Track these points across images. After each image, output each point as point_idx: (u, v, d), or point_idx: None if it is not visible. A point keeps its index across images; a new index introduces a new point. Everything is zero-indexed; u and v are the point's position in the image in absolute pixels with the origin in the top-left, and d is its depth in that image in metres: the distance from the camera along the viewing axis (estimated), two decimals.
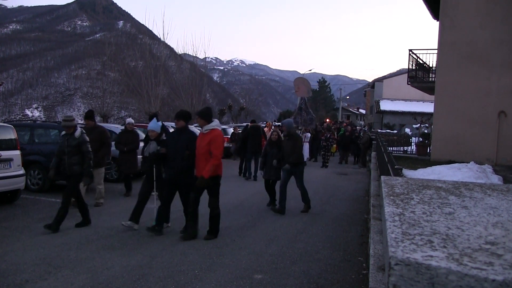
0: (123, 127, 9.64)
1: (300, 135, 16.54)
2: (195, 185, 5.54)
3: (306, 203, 7.75)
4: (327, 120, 32.07)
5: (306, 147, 16.20)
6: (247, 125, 13.36)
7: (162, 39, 28.68)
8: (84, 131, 6.33)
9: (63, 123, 6.21)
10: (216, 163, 5.50)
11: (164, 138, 6.21)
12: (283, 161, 7.68)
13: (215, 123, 5.73)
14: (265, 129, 16.19)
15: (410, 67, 14.30)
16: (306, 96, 18.56)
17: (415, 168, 8.78)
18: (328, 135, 16.66)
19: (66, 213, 5.89)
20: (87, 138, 6.26)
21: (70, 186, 6.04)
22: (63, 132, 6.23)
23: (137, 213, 5.96)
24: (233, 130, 18.01)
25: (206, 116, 5.76)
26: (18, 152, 7.59)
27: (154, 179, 6.01)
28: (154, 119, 6.34)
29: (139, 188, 6.24)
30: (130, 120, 9.71)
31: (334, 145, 18.74)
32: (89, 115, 7.93)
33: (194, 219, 5.63)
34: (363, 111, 62.33)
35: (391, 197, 1.30)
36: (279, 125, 20.14)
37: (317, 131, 18.67)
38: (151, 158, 6.00)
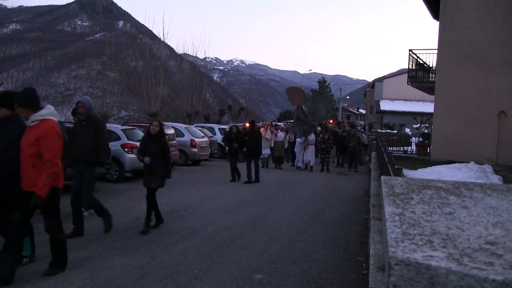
0: (123, 127, 9.44)
1: (289, 135, 16.12)
2: (29, 205, 3.81)
3: (78, 223, 5.50)
4: (330, 121, 31.30)
5: (311, 149, 15.69)
6: (232, 126, 12.65)
7: (162, 39, 28.72)
8: None
9: None
10: (53, 171, 3.80)
11: None
12: (163, 159, 5.93)
13: (48, 111, 3.96)
14: (261, 129, 15.55)
15: (410, 67, 14.30)
16: (303, 104, 17.67)
17: (415, 168, 8.79)
18: (326, 136, 15.46)
19: None
20: None
21: None
22: None
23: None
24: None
25: (25, 101, 3.86)
26: None
27: None
28: None
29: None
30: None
31: (333, 146, 18.37)
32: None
33: (11, 250, 3.80)
34: (363, 111, 62.39)
35: (391, 197, 1.30)
36: (278, 125, 20.04)
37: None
38: None
